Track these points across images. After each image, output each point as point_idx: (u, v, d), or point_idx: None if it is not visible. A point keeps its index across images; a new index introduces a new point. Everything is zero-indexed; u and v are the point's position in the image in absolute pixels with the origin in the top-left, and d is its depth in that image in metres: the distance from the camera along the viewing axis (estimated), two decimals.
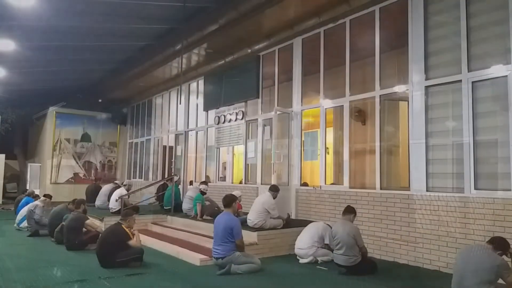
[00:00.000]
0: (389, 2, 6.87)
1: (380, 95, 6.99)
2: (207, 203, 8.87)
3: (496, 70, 5.47)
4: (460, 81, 5.81)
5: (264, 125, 9.47)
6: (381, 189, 6.76)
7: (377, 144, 6.91)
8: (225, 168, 11.02)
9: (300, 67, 8.68)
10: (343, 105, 7.66)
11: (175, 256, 6.69)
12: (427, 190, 6.08)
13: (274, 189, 7.25)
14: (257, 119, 9.76)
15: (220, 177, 11.19)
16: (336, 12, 7.40)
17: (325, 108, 8.08)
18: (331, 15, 7.54)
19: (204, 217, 8.41)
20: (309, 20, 7.89)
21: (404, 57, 6.66)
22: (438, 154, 6.09)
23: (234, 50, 9.86)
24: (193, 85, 12.52)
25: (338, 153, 8.33)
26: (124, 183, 10.87)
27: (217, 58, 10.49)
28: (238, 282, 5.09)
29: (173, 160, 13.08)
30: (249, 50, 9.57)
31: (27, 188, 14.88)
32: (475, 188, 5.53)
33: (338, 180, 8.11)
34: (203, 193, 8.73)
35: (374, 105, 7.08)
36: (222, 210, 6.18)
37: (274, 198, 7.13)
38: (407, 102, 6.60)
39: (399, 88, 6.81)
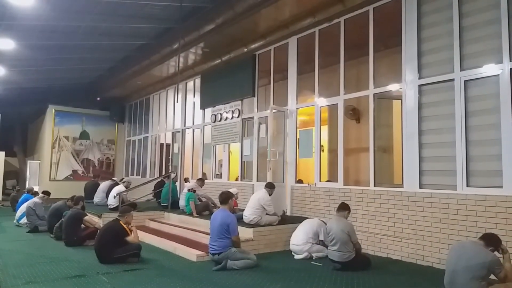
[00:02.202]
0: (383, 2, 6.93)
1: (374, 94, 7.05)
2: (203, 199, 8.95)
3: (488, 69, 5.52)
4: (452, 80, 5.86)
5: (260, 123, 9.52)
6: (374, 186, 6.82)
7: (371, 142, 6.97)
8: (221, 166, 11.09)
9: (295, 66, 8.74)
10: (337, 104, 7.73)
11: (172, 252, 6.76)
12: (420, 187, 6.14)
13: (269, 186, 7.30)
14: (253, 117, 9.81)
15: (217, 174, 11.27)
16: (331, 12, 7.46)
17: (320, 107, 8.14)
18: (326, 15, 7.60)
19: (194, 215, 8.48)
20: (304, 20, 7.94)
21: (398, 56, 6.72)
22: (431, 151, 6.14)
23: (230, 49, 9.90)
24: (190, 83, 12.58)
25: (332, 151, 8.42)
26: (122, 180, 10.95)
27: (213, 57, 10.54)
28: (234, 277, 5.14)
29: (170, 157, 13.14)
30: (245, 49, 9.61)
31: (26, 186, 14.89)
32: (467, 186, 5.58)
33: (332, 177, 8.20)
34: (193, 191, 8.79)
35: (368, 103, 7.14)
36: (218, 207, 6.25)
37: (269, 195, 7.18)
38: (400, 100, 6.66)
39: (392, 87, 6.87)
